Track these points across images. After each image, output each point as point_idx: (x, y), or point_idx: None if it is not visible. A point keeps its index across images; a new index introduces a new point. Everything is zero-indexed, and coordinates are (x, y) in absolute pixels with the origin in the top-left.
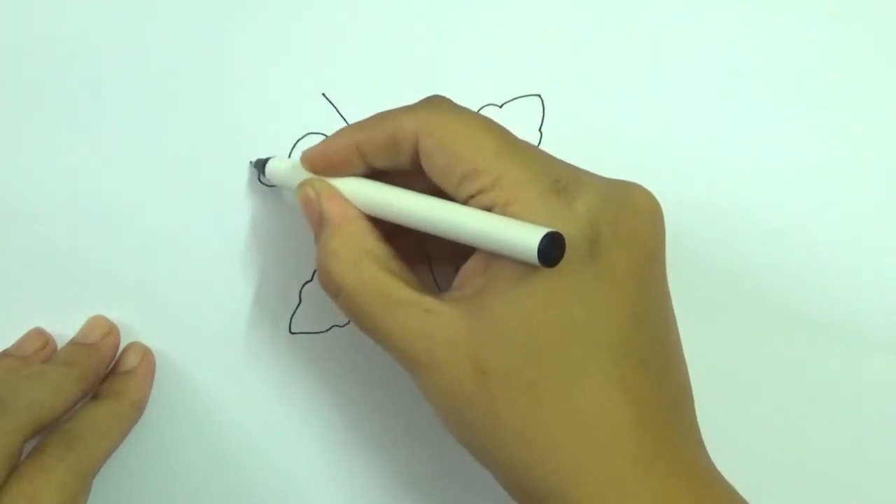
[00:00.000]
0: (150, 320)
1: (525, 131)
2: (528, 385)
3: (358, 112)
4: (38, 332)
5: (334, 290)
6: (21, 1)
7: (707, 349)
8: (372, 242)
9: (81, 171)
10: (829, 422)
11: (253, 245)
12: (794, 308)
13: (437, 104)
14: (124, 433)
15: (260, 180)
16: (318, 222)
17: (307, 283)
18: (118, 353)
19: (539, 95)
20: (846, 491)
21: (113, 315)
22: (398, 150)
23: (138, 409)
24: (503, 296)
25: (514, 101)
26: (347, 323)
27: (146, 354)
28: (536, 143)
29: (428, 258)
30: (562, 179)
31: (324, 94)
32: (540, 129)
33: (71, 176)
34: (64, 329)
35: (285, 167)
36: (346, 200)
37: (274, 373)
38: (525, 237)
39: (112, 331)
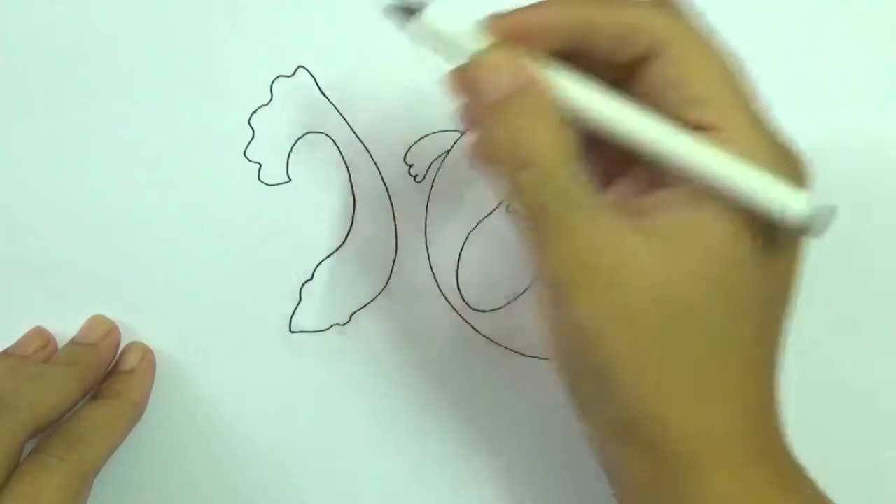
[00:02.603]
0: (150, 320)
1: None
2: (676, 339)
3: (361, 113)
4: (39, 332)
5: (519, 161)
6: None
7: None
8: (571, 134)
9: (81, 171)
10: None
11: (252, 245)
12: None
13: (685, 11)
14: (125, 433)
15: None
16: (505, 88)
17: (307, 281)
18: (118, 353)
19: None
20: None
21: (113, 315)
22: (628, 43)
23: (139, 408)
24: (708, 248)
25: None
26: (347, 322)
27: (146, 354)
28: None
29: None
30: (785, 142)
31: (322, 93)
32: None
33: (71, 175)
34: (64, 328)
35: (452, 24)
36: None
37: (274, 372)
38: (796, 202)
39: (112, 330)
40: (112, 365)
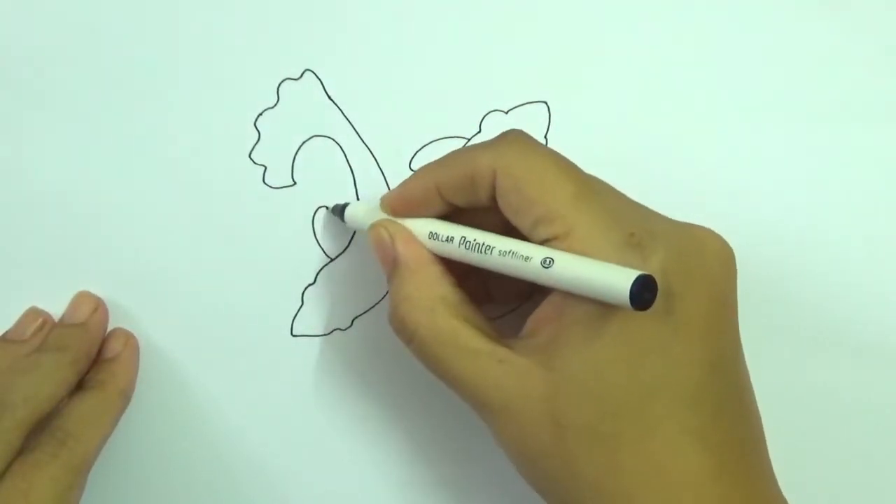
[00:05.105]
0: (151, 321)
1: None
2: (606, 438)
3: (367, 117)
4: (34, 312)
5: (407, 336)
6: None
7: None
8: (446, 288)
9: (84, 170)
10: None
11: (255, 247)
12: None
13: (514, 140)
14: (114, 423)
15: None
16: (391, 265)
17: (309, 285)
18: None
19: (545, 102)
20: None
21: (114, 316)
22: (476, 188)
23: (126, 396)
24: (578, 348)
25: (521, 107)
26: (349, 326)
27: (129, 339)
28: None
29: (490, 299)
30: (636, 232)
31: (328, 97)
32: (545, 136)
33: (73, 175)
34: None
35: (363, 211)
36: (420, 243)
37: (275, 375)
38: (617, 279)
39: (98, 306)
40: (99, 345)
